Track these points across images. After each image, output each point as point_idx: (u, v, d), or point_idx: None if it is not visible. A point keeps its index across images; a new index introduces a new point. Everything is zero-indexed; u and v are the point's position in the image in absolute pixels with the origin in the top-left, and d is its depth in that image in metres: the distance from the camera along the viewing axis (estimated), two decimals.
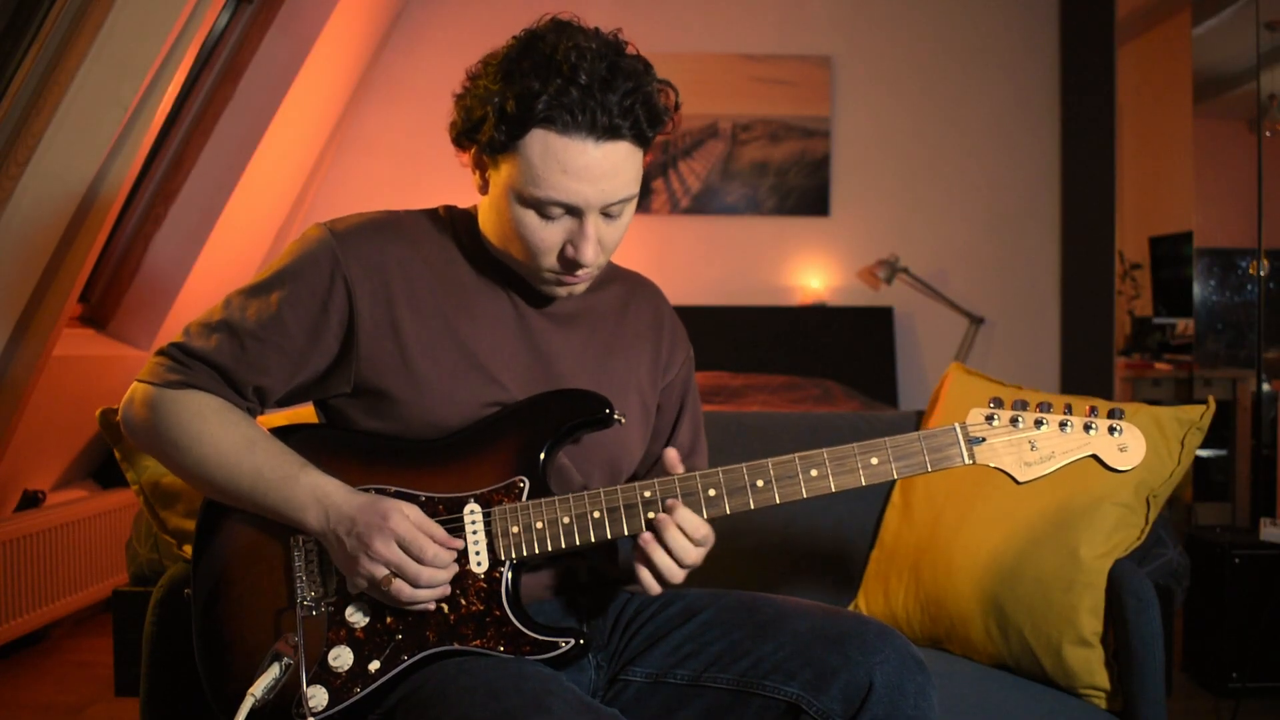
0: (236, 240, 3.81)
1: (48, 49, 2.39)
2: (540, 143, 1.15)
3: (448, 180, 4.29)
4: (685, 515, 1.18)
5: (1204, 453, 4.25)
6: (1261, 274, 3.13)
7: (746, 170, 4.68)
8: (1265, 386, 3.32)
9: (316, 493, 1.19)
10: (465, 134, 1.22)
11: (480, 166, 1.24)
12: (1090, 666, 1.54)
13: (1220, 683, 2.71)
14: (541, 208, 1.19)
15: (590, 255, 1.21)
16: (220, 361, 1.24)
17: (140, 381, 1.26)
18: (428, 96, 4.55)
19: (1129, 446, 1.20)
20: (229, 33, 3.43)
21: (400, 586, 1.16)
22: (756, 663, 1.21)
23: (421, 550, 1.16)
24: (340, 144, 4.61)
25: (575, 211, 1.19)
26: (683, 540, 1.18)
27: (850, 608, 1.80)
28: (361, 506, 1.17)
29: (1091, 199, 4.67)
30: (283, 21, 3.49)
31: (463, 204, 1.39)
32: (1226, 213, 4.23)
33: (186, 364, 1.24)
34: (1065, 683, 1.56)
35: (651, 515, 1.20)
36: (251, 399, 1.27)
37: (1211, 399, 1.63)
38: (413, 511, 1.18)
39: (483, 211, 1.30)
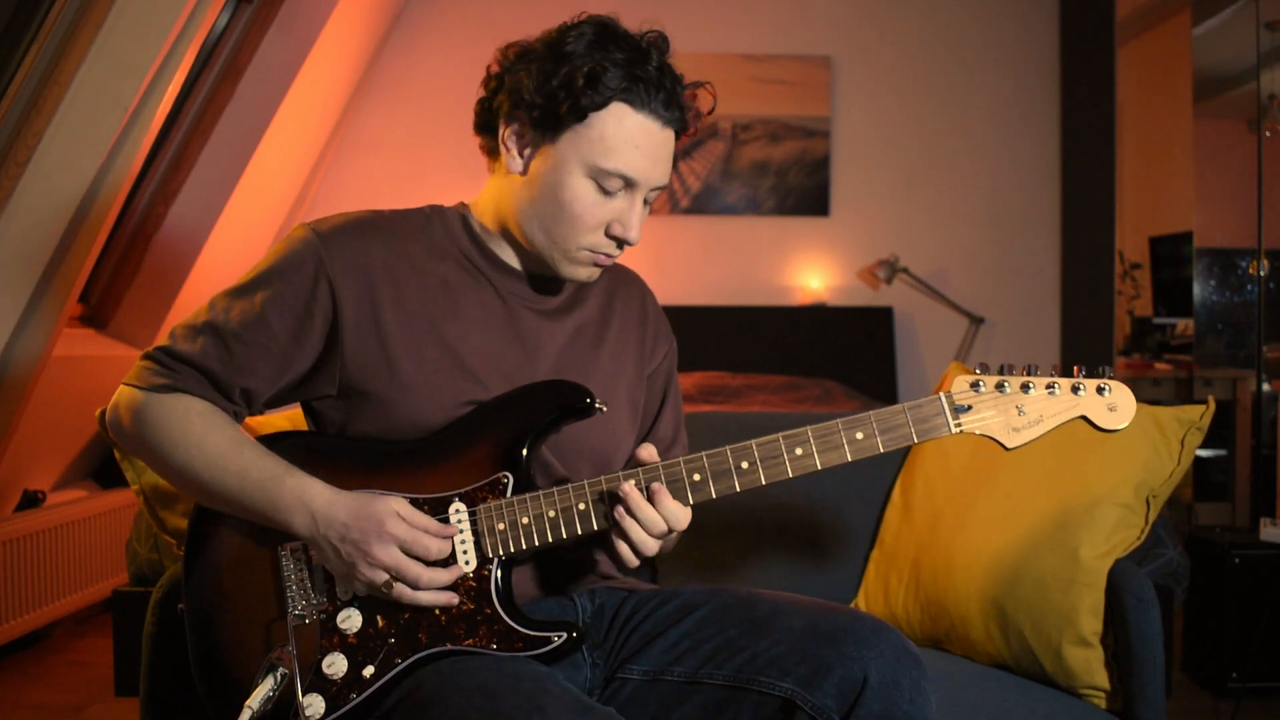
0: (236, 240, 3.81)
1: (48, 49, 2.39)
2: (617, 115, 1.21)
3: (448, 180, 4.30)
4: (663, 495, 1.19)
5: (1204, 453, 4.25)
6: (1261, 274, 3.13)
7: (746, 170, 4.68)
8: (1265, 386, 3.32)
9: (302, 495, 1.18)
10: (527, 104, 1.22)
11: (524, 144, 1.25)
12: (1090, 666, 1.54)
13: (1220, 683, 2.71)
14: (605, 180, 1.22)
15: (637, 232, 1.25)
16: (206, 365, 1.23)
17: (126, 385, 1.26)
18: (428, 96, 4.55)
19: (1118, 406, 1.19)
20: (229, 33, 3.43)
21: (401, 590, 1.16)
22: (752, 658, 1.21)
23: (426, 550, 1.16)
24: (340, 144, 4.61)
25: (631, 187, 1.23)
26: (650, 511, 1.18)
27: (850, 607, 1.80)
28: (353, 512, 1.17)
29: (1091, 199, 4.67)
30: (283, 21, 3.49)
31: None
32: (1226, 213, 4.23)
33: (172, 368, 1.24)
34: (1065, 683, 1.56)
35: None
36: (239, 402, 1.27)
37: (1211, 399, 1.63)
38: (402, 506, 1.18)
39: (506, 192, 1.29)
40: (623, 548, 1.20)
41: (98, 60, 2.40)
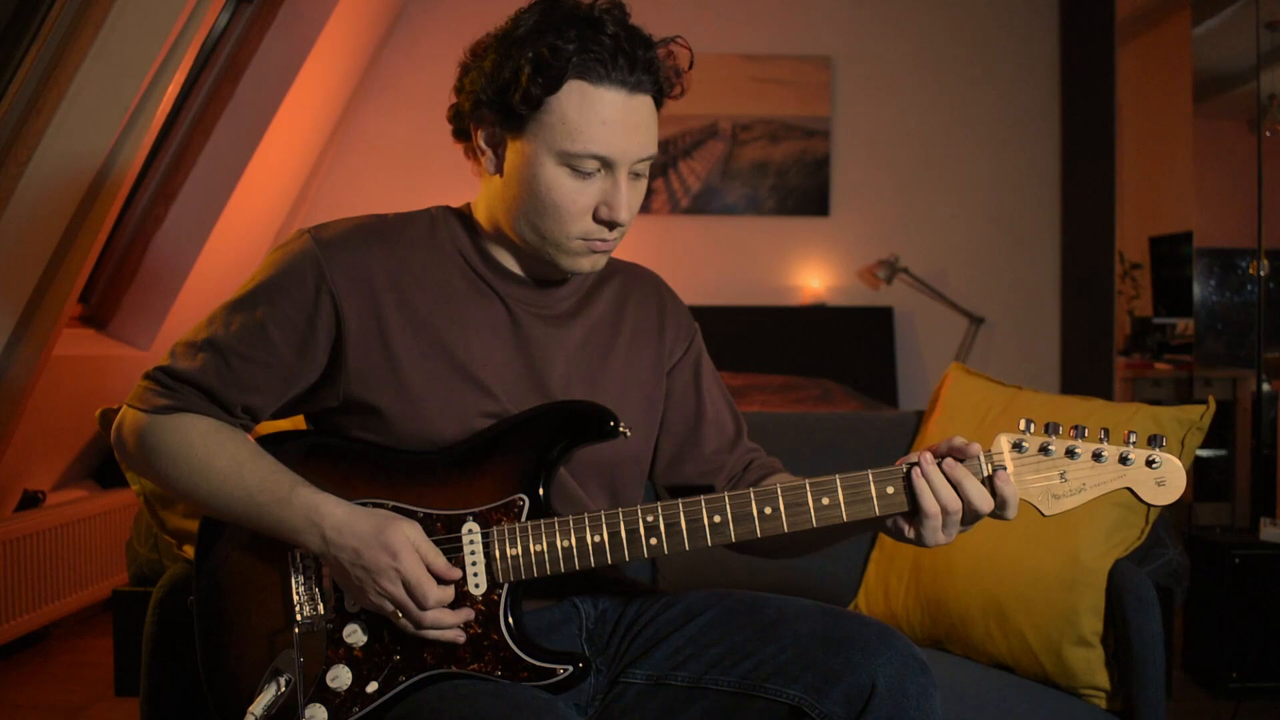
0: (237, 240, 3.81)
1: (48, 49, 2.39)
2: (576, 94, 1.15)
3: (448, 180, 4.28)
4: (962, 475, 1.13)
5: (1204, 453, 4.25)
6: (1261, 274, 3.13)
7: (746, 170, 4.68)
8: (1265, 386, 3.32)
9: (311, 514, 1.16)
10: (486, 103, 1.18)
11: (495, 142, 1.21)
12: (1090, 666, 1.55)
13: (1220, 683, 2.71)
14: (578, 164, 1.16)
15: (625, 213, 1.19)
16: (207, 383, 1.20)
17: (130, 407, 1.23)
18: (428, 97, 4.52)
19: (1167, 481, 1.13)
20: (229, 33, 3.43)
21: (405, 624, 1.16)
22: (758, 665, 1.20)
23: (424, 598, 1.13)
24: (340, 144, 4.61)
25: (609, 166, 1.17)
26: (957, 493, 1.12)
27: (850, 608, 1.80)
28: (365, 538, 1.14)
29: (1091, 199, 4.67)
30: (283, 21, 3.49)
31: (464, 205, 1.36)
32: (1226, 213, 4.22)
33: (174, 388, 1.21)
34: (1065, 683, 1.56)
35: (654, 541, 1.17)
36: (242, 417, 1.24)
37: (1211, 399, 1.63)
38: (414, 532, 1.15)
39: (493, 195, 1.25)
40: (927, 502, 1.14)
41: (98, 60, 2.40)
